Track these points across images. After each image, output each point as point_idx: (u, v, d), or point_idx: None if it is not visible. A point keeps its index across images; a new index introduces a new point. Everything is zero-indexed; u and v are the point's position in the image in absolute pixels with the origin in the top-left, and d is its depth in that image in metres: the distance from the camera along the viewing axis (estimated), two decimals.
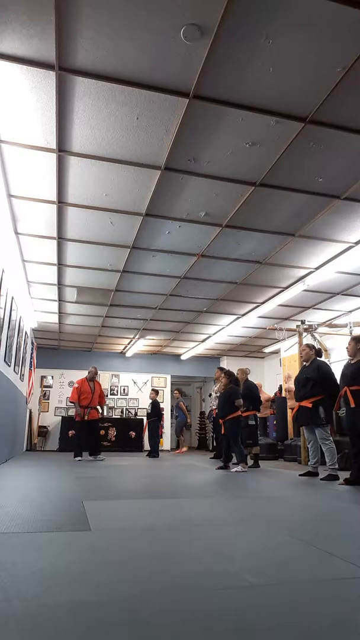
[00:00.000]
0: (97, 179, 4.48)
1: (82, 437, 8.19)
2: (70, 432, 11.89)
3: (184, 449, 11.55)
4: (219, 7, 2.65)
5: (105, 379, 12.80)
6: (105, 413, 9.83)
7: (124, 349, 13.03)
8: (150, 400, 9.93)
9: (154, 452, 9.58)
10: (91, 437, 8.22)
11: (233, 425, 6.35)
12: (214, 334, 10.98)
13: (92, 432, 8.22)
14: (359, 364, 4.84)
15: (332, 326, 9.26)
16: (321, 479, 5.14)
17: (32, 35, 2.86)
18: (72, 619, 1.28)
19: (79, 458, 7.84)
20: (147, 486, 4.64)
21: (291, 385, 9.16)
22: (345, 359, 5.21)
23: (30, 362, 10.84)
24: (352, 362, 4.95)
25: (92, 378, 8.35)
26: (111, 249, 6.10)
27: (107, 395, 13.04)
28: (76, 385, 8.27)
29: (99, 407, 8.35)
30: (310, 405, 5.39)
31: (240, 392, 6.74)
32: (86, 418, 8.06)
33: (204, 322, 9.99)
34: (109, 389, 13.12)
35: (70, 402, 8.69)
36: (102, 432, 12.94)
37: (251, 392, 7.24)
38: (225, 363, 13.53)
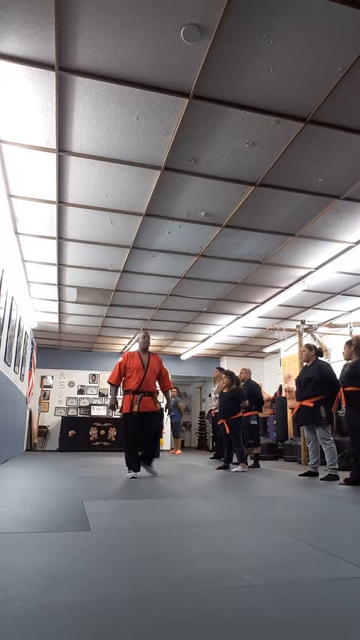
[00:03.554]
0: (97, 179, 4.48)
1: (134, 440, 5.08)
2: (71, 432, 11.90)
3: (179, 451, 11.50)
4: (219, 7, 2.65)
5: (105, 379, 12.76)
6: (169, 405, 5.53)
7: (124, 349, 13.02)
8: None
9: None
10: (145, 440, 5.18)
11: (235, 425, 6.37)
12: (214, 334, 10.98)
13: (146, 432, 5.10)
14: (353, 366, 4.86)
15: (332, 326, 9.26)
16: (321, 479, 5.15)
17: (32, 35, 2.86)
18: (72, 619, 1.28)
19: (132, 474, 4.91)
20: (147, 486, 4.63)
21: (291, 385, 9.16)
22: None
23: (30, 362, 10.84)
24: (348, 363, 4.97)
25: (145, 348, 5.35)
26: (111, 249, 6.10)
27: (106, 395, 12.68)
28: (120, 360, 5.32)
29: (159, 396, 5.38)
30: (311, 405, 5.40)
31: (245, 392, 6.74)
32: (136, 410, 4.99)
33: (204, 322, 9.99)
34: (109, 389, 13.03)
35: (108, 383, 5.49)
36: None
37: (254, 392, 7.25)
38: (225, 363, 13.53)
